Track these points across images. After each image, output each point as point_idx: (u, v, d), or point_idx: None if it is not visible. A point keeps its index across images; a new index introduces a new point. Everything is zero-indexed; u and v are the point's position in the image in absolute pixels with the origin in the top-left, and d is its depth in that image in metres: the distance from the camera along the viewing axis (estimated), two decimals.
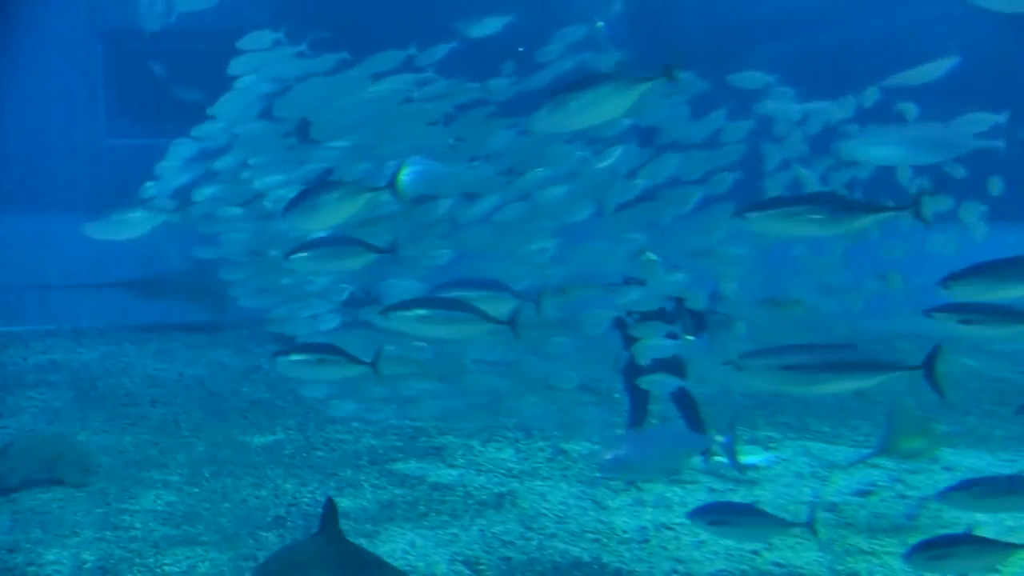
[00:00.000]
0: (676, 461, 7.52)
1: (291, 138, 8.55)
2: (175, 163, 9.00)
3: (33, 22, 16.22)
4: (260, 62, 8.55)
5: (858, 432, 9.72)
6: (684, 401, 8.73)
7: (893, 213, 5.67)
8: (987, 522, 7.65)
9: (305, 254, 6.61)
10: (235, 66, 8.55)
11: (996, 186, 10.51)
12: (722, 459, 8.75)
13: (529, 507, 7.90)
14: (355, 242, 6.60)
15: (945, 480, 8.42)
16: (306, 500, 8.02)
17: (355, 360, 6.48)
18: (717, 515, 6.17)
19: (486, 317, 6.17)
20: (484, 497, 8.13)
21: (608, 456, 6.96)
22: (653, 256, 7.99)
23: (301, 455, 9.10)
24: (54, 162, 15.88)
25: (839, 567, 6.77)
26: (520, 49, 8.54)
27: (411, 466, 8.86)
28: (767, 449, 9.33)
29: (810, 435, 9.81)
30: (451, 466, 8.84)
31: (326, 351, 6.60)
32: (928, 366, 5.39)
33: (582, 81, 5.49)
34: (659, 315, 7.93)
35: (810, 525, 6.12)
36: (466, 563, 6.93)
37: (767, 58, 9.60)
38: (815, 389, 5.69)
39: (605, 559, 7.03)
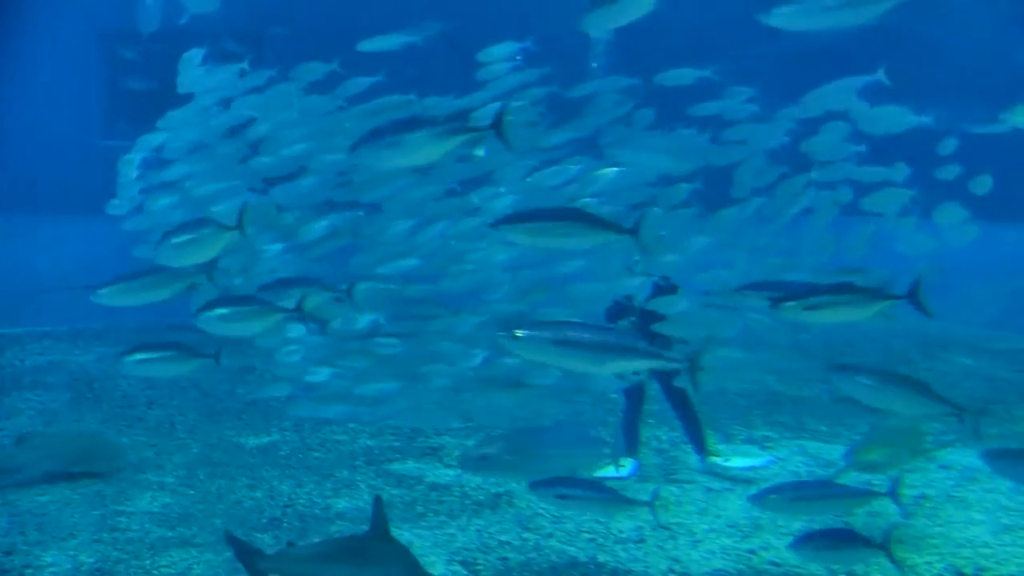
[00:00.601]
0: (565, 465, 6.64)
1: (235, 146, 8.85)
2: (130, 170, 9.25)
3: (31, 23, 16.22)
4: (201, 78, 8.84)
5: (855, 431, 9.69)
6: (680, 400, 8.73)
7: (616, 235, 6.04)
8: (983, 520, 7.68)
9: (111, 288, 6.84)
10: (181, 83, 8.93)
11: (984, 185, 10.43)
12: (718, 459, 8.78)
13: (526, 507, 7.89)
14: (166, 270, 6.85)
15: (942, 479, 8.44)
16: (302, 501, 8.01)
17: (199, 355, 6.88)
18: (562, 489, 6.29)
19: (275, 307, 6.92)
20: (481, 497, 8.13)
21: (475, 454, 6.65)
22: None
23: (297, 456, 9.09)
24: (52, 163, 15.88)
25: (836, 566, 6.76)
26: (517, 58, 8.60)
27: (408, 466, 8.86)
28: (764, 449, 9.33)
29: (807, 434, 9.82)
30: (448, 466, 8.81)
31: (168, 348, 6.96)
32: (692, 360, 5.61)
33: (408, 124, 5.87)
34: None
35: (651, 505, 6.33)
36: (463, 563, 6.94)
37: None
38: (581, 367, 5.85)
39: (602, 559, 7.03)
